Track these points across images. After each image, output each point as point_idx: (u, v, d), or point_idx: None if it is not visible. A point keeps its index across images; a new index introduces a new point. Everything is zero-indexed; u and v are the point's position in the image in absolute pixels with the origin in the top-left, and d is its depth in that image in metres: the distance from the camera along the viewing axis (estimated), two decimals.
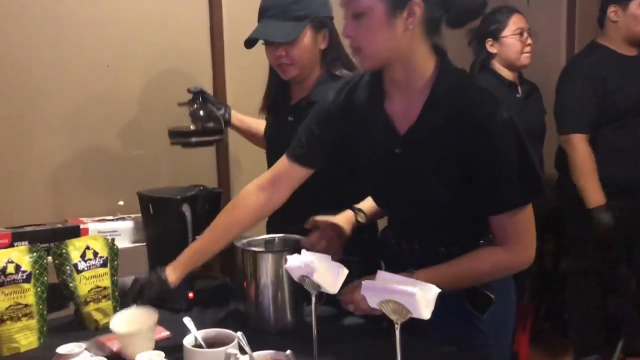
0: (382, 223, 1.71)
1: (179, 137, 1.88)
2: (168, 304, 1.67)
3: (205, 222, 1.59)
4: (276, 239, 1.61)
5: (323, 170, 1.61)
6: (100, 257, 1.59)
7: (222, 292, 1.77)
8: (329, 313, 1.54)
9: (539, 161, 2.76)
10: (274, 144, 1.93)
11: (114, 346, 1.39)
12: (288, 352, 1.19)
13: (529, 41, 2.67)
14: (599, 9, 2.78)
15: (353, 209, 1.70)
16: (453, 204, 1.37)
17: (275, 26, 1.72)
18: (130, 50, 2.19)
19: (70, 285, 1.54)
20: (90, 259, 1.57)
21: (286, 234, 1.64)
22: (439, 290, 1.01)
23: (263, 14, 1.78)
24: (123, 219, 1.97)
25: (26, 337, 1.45)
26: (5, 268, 1.42)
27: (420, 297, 0.99)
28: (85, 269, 1.56)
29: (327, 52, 1.81)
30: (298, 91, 1.86)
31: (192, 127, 1.85)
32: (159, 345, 1.39)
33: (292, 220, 1.76)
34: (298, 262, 1.21)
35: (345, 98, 1.49)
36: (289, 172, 1.57)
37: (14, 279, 1.43)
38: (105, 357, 1.20)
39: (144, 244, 1.85)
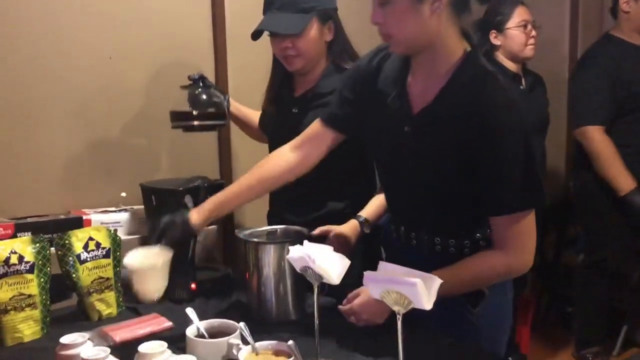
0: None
1: (180, 119, 1.85)
2: (171, 295, 1.68)
3: None
4: (278, 230, 1.61)
5: (326, 160, 1.61)
6: (103, 248, 1.59)
7: (224, 283, 1.78)
8: (330, 304, 1.54)
9: (542, 153, 2.75)
10: (277, 136, 1.93)
11: (117, 336, 1.40)
12: (290, 342, 1.19)
13: (533, 33, 2.66)
14: (612, 0, 2.76)
15: (358, 219, 1.71)
16: (452, 194, 1.37)
17: (282, 18, 1.72)
18: (132, 42, 2.18)
19: (73, 276, 1.54)
20: (93, 250, 1.57)
21: (287, 225, 1.65)
22: (441, 281, 1.01)
23: (269, 5, 1.77)
24: (125, 210, 1.97)
25: (30, 327, 1.45)
26: (8, 259, 1.42)
27: (422, 287, 0.99)
28: (88, 259, 1.56)
29: (333, 44, 1.81)
30: (303, 83, 1.86)
31: (194, 112, 1.83)
32: (161, 336, 1.39)
33: (292, 210, 1.77)
34: (300, 253, 1.21)
35: (377, 63, 1.49)
36: (321, 136, 1.59)
37: (17, 270, 1.44)
38: (108, 347, 1.20)
39: (147, 235, 1.85)
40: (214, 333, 1.33)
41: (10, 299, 1.43)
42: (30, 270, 1.46)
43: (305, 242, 1.25)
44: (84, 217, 1.84)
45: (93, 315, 1.57)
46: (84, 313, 1.58)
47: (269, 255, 1.50)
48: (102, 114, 2.13)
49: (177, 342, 1.30)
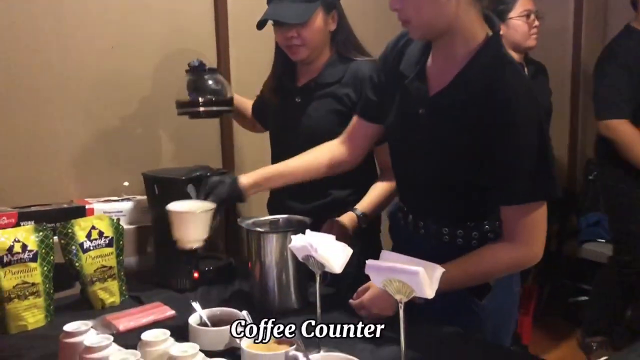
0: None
1: (186, 106, 1.86)
2: (173, 284, 1.69)
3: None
4: (280, 219, 1.61)
5: None
6: (106, 237, 1.60)
7: (227, 272, 1.78)
8: (332, 293, 1.55)
9: None
10: (279, 125, 1.93)
11: (120, 325, 1.40)
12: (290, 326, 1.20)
13: (536, 23, 2.64)
14: None
15: (355, 212, 1.71)
16: (463, 182, 1.36)
17: (287, 7, 1.71)
18: (135, 32, 2.18)
19: (76, 264, 1.55)
20: (96, 239, 1.58)
21: (289, 213, 1.65)
22: (443, 269, 1.02)
23: None
24: (128, 199, 1.97)
25: (33, 315, 1.46)
26: (12, 247, 1.43)
27: (424, 276, 0.99)
28: (91, 248, 1.57)
29: (337, 33, 1.80)
30: (306, 72, 1.85)
31: (200, 99, 1.83)
32: (164, 324, 1.40)
33: (295, 197, 1.78)
34: (302, 242, 1.21)
35: (401, 46, 1.49)
36: (360, 130, 1.61)
37: (20, 258, 1.44)
38: (111, 335, 1.21)
39: (149, 224, 1.86)
40: (216, 321, 1.34)
41: (14, 287, 1.44)
42: (34, 259, 1.46)
43: (308, 231, 1.26)
44: (87, 206, 1.84)
45: (96, 304, 1.58)
46: (87, 301, 1.59)
47: (272, 245, 1.50)
48: (104, 104, 2.13)
49: (180, 330, 1.31)
